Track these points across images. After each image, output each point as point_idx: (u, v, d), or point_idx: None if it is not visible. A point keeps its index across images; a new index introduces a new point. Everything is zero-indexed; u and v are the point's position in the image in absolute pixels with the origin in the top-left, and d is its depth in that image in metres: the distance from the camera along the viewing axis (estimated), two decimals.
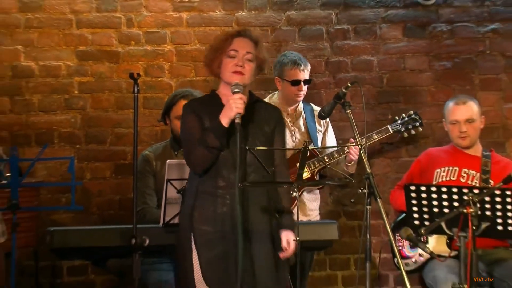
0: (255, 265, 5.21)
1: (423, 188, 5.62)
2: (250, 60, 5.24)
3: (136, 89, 5.38)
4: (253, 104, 5.39)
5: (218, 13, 7.92)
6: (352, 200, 7.76)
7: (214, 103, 5.27)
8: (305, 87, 6.92)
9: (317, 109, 6.97)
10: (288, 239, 5.23)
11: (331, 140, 7.17)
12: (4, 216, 5.72)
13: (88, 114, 7.91)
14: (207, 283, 5.19)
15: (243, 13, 7.93)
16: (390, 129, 7.15)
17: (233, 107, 5.02)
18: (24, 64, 7.85)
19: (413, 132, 7.22)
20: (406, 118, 7.19)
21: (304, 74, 6.89)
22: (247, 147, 5.12)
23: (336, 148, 6.99)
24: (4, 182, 5.59)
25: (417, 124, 7.20)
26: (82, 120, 7.90)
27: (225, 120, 5.06)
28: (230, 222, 5.14)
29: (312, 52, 7.89)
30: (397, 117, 7.22)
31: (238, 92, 5.06)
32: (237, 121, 5.01)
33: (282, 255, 5.25)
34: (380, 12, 7.99)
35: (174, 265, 6.26)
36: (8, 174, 5.47)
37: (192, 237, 5.25)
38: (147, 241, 5.29)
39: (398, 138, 7.46)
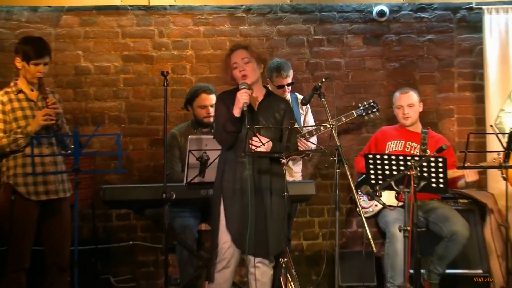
0: (268, 217, 5.38)
1: (378, 156, 5.74)
2: (247, 62, 5.39)
3: (165, 83, 5.43)
4: (268, 97, 5.55)
5: (226, 27, 7.95)
6: (325, 165, 7.76)
7: (235, 96, 5.35)
8: (288, 88, 6.99)
9: (300, 97, 7.02)
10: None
11: (310, 121, 7.28)
12: (70, 177, 5.70)
13: (130, 101, 7.95)
14: (228, 227, 5.38)
15: (245, 27, 7.96)
16: (354, 113, 7.20)
17: (240, 100, 5.19)
18: (83, 65, 7.89)
19: (371, 116, 7.28)
20: (366, 105, 7.25)
21: (288, 79, 6.93)
22: (254, 127, 5.22)
23: (314, 127, 7.11)
24: (69, 152, 5.56)
25: (374, 110, 7.26)
26: (125, 106, 7.95)
27: (236, 111, 5.23)
28: (248, 182, 5.26)
29: (296, 56, 7.90)
30: (360, 105, 7.27)
31: (244, 88, 5.23)
32: (244, 108, 5.17)
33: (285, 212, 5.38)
34: (346, 26, 8.00)
35: (201, 213, 6.44)
36: (72, 146, 5.46)
37: (221, 192, 5.41)
38: (174, 196, 5.36)
39: (360, 120, 7.49)
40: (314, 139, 7.04)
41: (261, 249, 5.39)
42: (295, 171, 7.13)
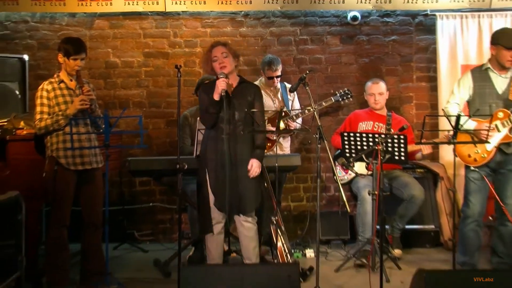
0: (239, 181, 5.46)
1: (351, 134, 5.77)
2: (225, 56, 5.46)
3: (179, 75, 5.40)
4: (241, 84, 5.63)
5: (228, 29, 7.94)
6: (309, 141, 7.85)
7: (214, 85, 5.41)
8: (277, 79, 7.02)
9: (288, 85, 6.98)
10: (252, 164, 5.46)
11: (296, 105, 7.29)
12: (101, 151, 5.71)
13: (150, 90, 7.96)
14: (213, 192, 5.46)
15: (243, 29, 7.94)
16: (332, 99, 7.25)
17: (219, 87, 5.31)
18: (112, 60, 7.91)
19: (346, 101, 7.34)
20: (342, 93, 7.30)
21: (277, 72, 6.98)
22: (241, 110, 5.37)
23: (300, 110, 7.14)
24: (101, 130, 5.58)
25: (349, 96, 7.32)
26: (146, 93, 7.95)
27: (216, 96, 5.34)
28: (227, 155, 5.36)
29: (285, 52, 7.88)
30: (337, 92, 7.33)
31: (222, 77, 5.33)
32: (223, 94, 5.31)
33: (249, 174, 5.47)
34: (326, 29, 7.98)
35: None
36: (103, 126, 5.49)
37: (206, 164, 5.49)
38: (186, 166, 5.35)
39: (337, 104, 7.50)
40: (299, 120, 7.08)
41: (239, 208, 5.49)
42: (284, 146, 7.18)
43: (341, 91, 7.34)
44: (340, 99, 7.31)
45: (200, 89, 5.79)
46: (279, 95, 7.07)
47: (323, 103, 7.20)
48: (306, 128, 6.23)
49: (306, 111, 6.97)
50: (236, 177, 5.44)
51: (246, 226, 5.55)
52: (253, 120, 5.54)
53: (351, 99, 7.37)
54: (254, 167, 5.49)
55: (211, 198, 5.51)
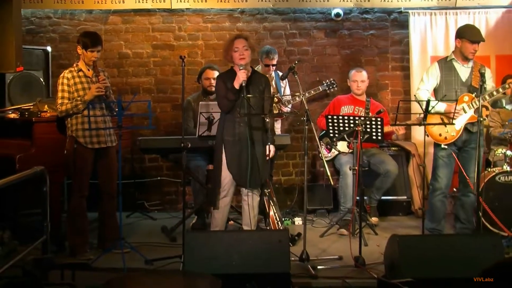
0: (254, 160, 5.43)
1: (335, 117, 5.82)
2: (246, 49, 5.40)
3: (183, 65, 5.40)
4: (253, 74, 5.56)
5: (227, 24, 7.93)
6: (298, 123, 7.80)
7: (231, 74, 5.40)
8: (273, 67, 6.98)
9: (281, 74, 7.03)
10: (270, 148, 5.46)
11: (287, 92, 7.28)
12: (115, 131, 5.70)
13: (158, 77, 7.95)
14: (229, 169, 5.44)
15: (240, 24, 7.93)
16: (320, 88, 7.26)
17: (240, 77, 5.25)
18: (124, 51, 7.90)
19: (332, 90, 7.34)
20: (328, 83, 7.30)
21: (273, 61, 6.91)
22: (247, 95, 5.29)
23: (290, 98, 7.14)
24: (114, 113, 5.60)
25: (334, 86, 7.31)
26: (155, 81, 7.95)
27: (236, 85, 5.29)
28: (243, 136, 5.34)
29: (276, 45, 7.77)
30: (323, 82, 7.31)
31: (243, 69, 5.28)
32: (243, 84, 5.24)
33: (266, 156, 5.46)
34: (313, 24, 7.98)
35: (209, 157, 6.41)
36: (116, 109, 5.52)
37: (222, 144, 5.46)
38: (189, 145, 5.36)
39: (324, 93, 7.50)
40: (290, 105, 7.08)
41: (253, 183, 5.47)
42: (276, 127, 7.14)
43: (327, 81, 7.31)
44: (327, 88, 7.30)
45: (217, 77, 5.75)
46: (273, 83, 7.06)
47: (312, 92, 7.17)
48: (295, 112, 6.24)
49: (297, 98, 6.95)
50: (252, 155, 5.43)
51: (252, 197, 5.56)
52: (263, 106, 5.55)
53: (336, 88, 7.34)
54: (271, 151, 5.55)
55: (224, 175, 5.50)
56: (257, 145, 5.48)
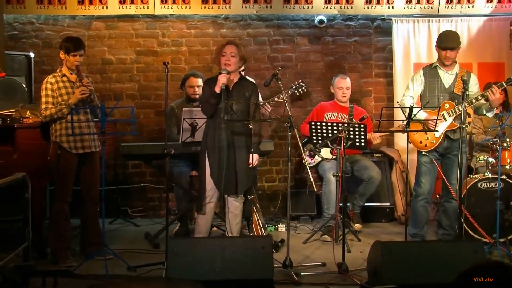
0: (237, 166, 5.45)
1: (318, 123, 5.79)
2: (233, 56, 5.41)
3: (166, 71, 5.39)
4: (241, 80, 5.59)
5: (210, 30, 7.92)
6: (281, 129, 7.83)
7: (216, 79, 5.39)
8: (243, 72, 6.85)
9: (251, 80, 6.98)
10: (253, 157, 5.49)
11: (260, 97, 7.20)
12: (98, 137, 5.67)
13: (141, 84, 7.93)
14: (211, 175, 5.45)
15: (224, 30, 7.93)
16: (289, 91, 7.19)
17: (220, 81, 5.27)
18: (107, 57, 7.88)
19: (301, 92, 7.32)
20: (297, 85, 7.24)
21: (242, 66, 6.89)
22: (232, 102, 5.37)
23: (272, 102, 7.10)
24: (98, 119, 5.56)
25: (303, 87, 7.26)
26: (138, 87, 7.92)
27: (217, 88, 5.29)
28: (225, 142, 5.33)
29: (260, 51, 7.90)
30: (292, 85, 7.26)
31: (224, 73, 5.29)
32: (223, 87, 5.27)
33: (249, 164, 5.48)
34: (296, 30, 8.00)
35: (192, 163, 6.43)
36: (99, 115, 5.52)
37: (206, 150, 5.47)
38: (172, 151, 5.35)
39: (294, 96, 7.51)
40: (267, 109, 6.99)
41: (230, 189, 5.48)
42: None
43: (296, 83, 7.29)
44: (296, 91, 7.27)
45: (204, 82, 5.76)
46: None
47: (281, 96, 6.97)
48: (278, 118, 6.24)
49: (272, 102, 6.91)
50: (234, 161, 5.44)
51: (235, 204, 5.56)
52: (249, 112, 5.56)
53: (305, 90, 7.34)
54: (255, 159, 5.54)
55: (208, 181, 5.50)
56: (239, 151, 5.49)
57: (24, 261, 4.90)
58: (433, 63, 6.19)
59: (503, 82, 5.84)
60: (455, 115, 5.93)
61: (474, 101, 5.86)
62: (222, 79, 5.31)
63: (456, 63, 6.10)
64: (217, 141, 5.43)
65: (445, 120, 5.97)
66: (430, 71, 6.12)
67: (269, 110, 6.86)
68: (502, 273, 2.14)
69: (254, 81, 5.93)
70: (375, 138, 6.73)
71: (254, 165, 5.54)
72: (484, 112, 6.04)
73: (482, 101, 5.90)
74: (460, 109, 5.64)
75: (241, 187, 5.54)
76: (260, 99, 7.11)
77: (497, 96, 5.78)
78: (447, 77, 6.06)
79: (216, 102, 5.38)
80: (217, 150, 5.43)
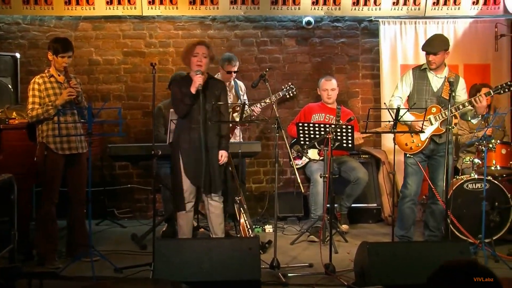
0: (210, 165, 5.45)
1: (306, 125, 5.82)
2: (205, 57, 5.43)
3: (154, 72, 5.40)
4: (209, 80, 5.60)
5: (198, 31, 7.92)
6: (269, 130, 7.87)
7: (186, 80, 5.47)
8: (234, 74, 6.93)
9: (240, 83, 7.15)
10: (222, 154, 5.50)
11: (245, 98, 7.19)
12: (85, 138, 5.65)
13: (128, 84, 7.92)
14: (186, 175, 5.45)
15: (211, 31, 7.93)
16: (280, 93, 7.27)
17: (197, 82, 5.29)
18: (94, 58, 7.86)
19: (291, 94, 7.42)
20: (288, 87, 7.35)
21: (235, 68, 6.85)
22: (219, 103, 5.40)
23: (260, 104, 7.10)
24: (84, 120, 5.58)
25: (294, 90, 7.37)
26: (125, 87, 7.92)
27: (193, 89, 5.33)
28: (198, 142, 5.32)
29: (247, 52, 7.92)
30: (283, 87, 7.37)
31: (199, 74, 5.31)
32: (199, 88, 5.28)
33: (219, 162, 5.50)
34: (284, 32, 8.01)
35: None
36: (86, 116, 5.52)
37: (179, 150, 5.48)
38: (160, 152, 5.32)
39: (283, 98, 7.53)
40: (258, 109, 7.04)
41: (209, 188, 5.49)
42: (237, 134, 7.06)
43: (286, 86, 7.36)
44: (286, 94, 7.34)
45: (172, 83, 5.78)
46: (233, 91, 7.05)
47: (273, 98, 7.06)
48: (265, 119, 6.25)
49: (263, 103, 6.93)
50: (207, 160, 5.43)
51: (214, 204, 5.55)
52: (218, 111, 5.56)
53: (295, 92, 7.40)
54: (223, 157, 5.53)
55: (184, 180, 5.50)
56: (212, 151, 5.51)
57: (9, 263, 4.89)
58: (422, 65, 6.20)
59: (490, 91, 5.91)
60: (441, 120, 5.97)
61: (461, 107, 5.90)
62: (199, 80, 5.32)
63: (445, 66, 6.13)
64: (192, 141, 5.44)
65: (432, 124, 6.00)
66: (419, 73, 6.14)
67: (259, 112, 6.87)
68: (473, 272, 2.14)
69: (222, 81, 5.91)
70: (358, 138, 6.75)
71: (222, 162, 5.54)
72: (469, 118, 6.10)
73: (469, 107, 5.94)
74: (447, 114, 5.66)
75: (217, 185, 5.55)
76: (246, 99, 7.16)
77: (483, 104, 5.82)
78: (435, 80, 6.08)
79: (192, 102, 5.41)
80: (193, 150, 5.44)
